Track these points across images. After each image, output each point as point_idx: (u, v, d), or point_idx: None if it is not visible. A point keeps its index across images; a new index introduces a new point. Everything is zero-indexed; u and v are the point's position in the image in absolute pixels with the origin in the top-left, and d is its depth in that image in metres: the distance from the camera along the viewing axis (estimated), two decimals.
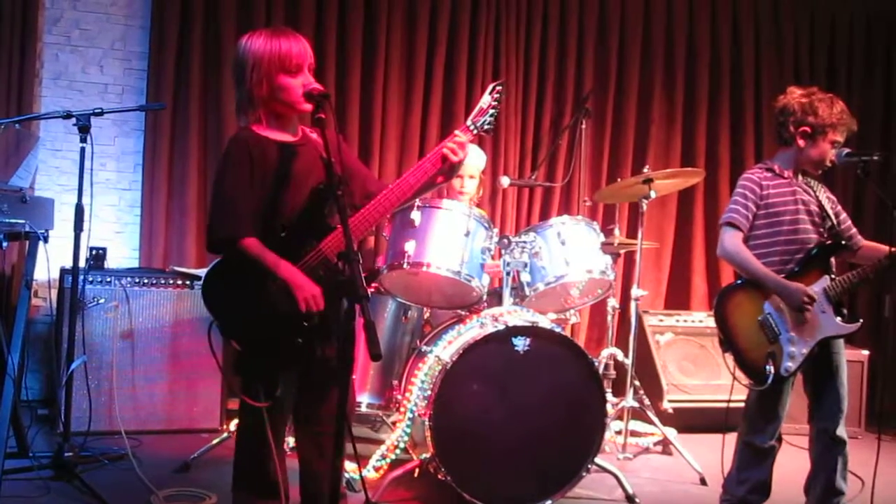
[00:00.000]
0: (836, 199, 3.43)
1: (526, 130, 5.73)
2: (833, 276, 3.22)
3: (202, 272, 4.51)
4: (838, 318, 3.20)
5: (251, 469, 2.62)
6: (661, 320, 5.46)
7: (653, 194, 4.42)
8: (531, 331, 3.48)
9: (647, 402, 4.66)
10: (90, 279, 4.28)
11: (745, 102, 6.09)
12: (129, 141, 5.19)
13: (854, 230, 3.40)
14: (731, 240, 3.26)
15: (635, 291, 4.53)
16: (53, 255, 3.61)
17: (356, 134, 5.35)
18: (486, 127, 2.70)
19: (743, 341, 3.21)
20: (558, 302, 4.21)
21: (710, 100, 6.06)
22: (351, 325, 2.24)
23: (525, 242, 3.84)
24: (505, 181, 4.63)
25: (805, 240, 3.26)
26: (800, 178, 3.35)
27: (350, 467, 3.54)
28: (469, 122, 2.69)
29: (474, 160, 4.42)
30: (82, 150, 3.52)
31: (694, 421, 4.91)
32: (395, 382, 3.94)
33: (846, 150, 3.25)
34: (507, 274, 3.79)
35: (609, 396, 4.41)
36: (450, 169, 2.66)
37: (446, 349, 3.56)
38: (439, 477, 3.40)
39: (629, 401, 4.47)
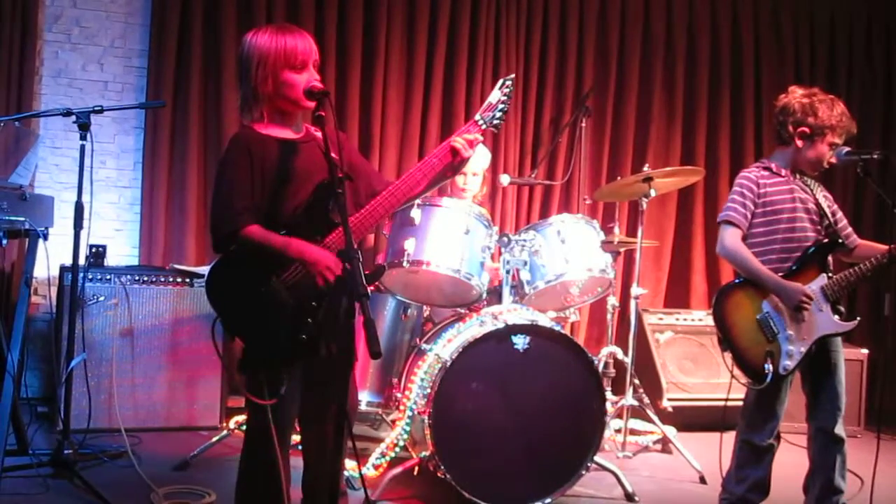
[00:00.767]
0: (832, 199, 3.43)
1: (526, 128, 5.73)
2: (830, 274, 3.22)
3: (202, 270, 4.54)
4: (836, 317, 3.21)
5: (257, 474, 2.61)
6: (660, 319, 5.46)
7: (653, 193, 4.42)
8: (531, 329, 3.48)
9: (646, 400, 4.67)
10: (90, 277, 4.28)
11: (744, 101, 6.09)
12: (129, 139, 5.19)
13: (850, 230, 3.40)
14: (732, 238, 3.26)
15: (635, 290, 4.54)
16: (53, 253, 3.61)
17: (356, 131, 5.35)
18: (495, 122, 2.68)
19: (741, 340, 3.21)
20: (558, 300, 4.21)
21: (709, 98, 6.06)
22: (351, 323, 2.24)
23: (525, 241, 3.84)
24: (505, 179, 4.63)
25: (802, 238, 3.26)
26: (797, 176, 3.35)
27: (350, 465, 3.54)
28: (478, 117, 2.67)
29: (479, 158, 4.42)
30: (82, 147, 3.52)
31: (693, 419, 4.91)
32: (395, 380, 3.95)
33: (846, 149, 3.25)
34: (507, 272, 3.80)
35: (608, 395, 4.41)
36: (459, 164, 2.65)
37: (446, 347, 3.56)
38: (439, 475, 3.40)
39: (629, 399, 4.47)
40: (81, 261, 3.64)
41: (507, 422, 3.45)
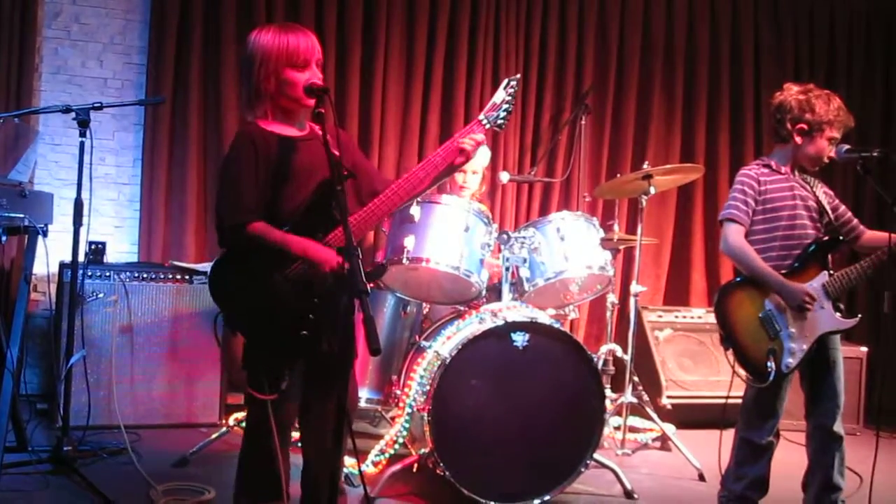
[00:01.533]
0: (833, 194, 3.43)
1: (525, 126, 5.73)
2: (831, 272, 3.22)
3: (201, 267, 4.54)
4: (837, 314, 3.21)
5: (256, 468, 2.61)
6: (660, 316, 5.47)
7: (652, 190, 4.42)
8: (530, 326, 3.48)
9: (645, 397, 4.67)
10: (89, 274, 4.27)
11: (744, 99, 6.09)
12: (129, 135, 5.19)
13: (854, 221, 3.39)
14: (735, 236, 3.26)
15: (634, 287, 4.54)
16: (52, 250, 3.61)
17: (356, 130, 5.34)
18: (499, 122, 2.68)
19: (744, 338, 3.21)
20: (557, 298, 4.21)
21: (709, 96, 6.06)
22: (351, 320, 2.24)
23: (524, 238, 3.84)
24: (504, 177, 4.63)
25: (803, 235, 3.26)
26: (797, 174, 3.35)
27: (349, 462, 3.54)
28: (482, 117, 2.67)
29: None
30: (81, 144, 3.52)
31: (692, 417, 4.91)
32: (395, 377, 3.95)
33: (846, 147, 3.25)
34: (507, 269, 3.80)
35: (608, 392, 4.41)
36: (459, 164, 2.66)
37: (445, 344, 3.56)
38: (438, 472, 3.41)
39: (628, 396, 4.47)
40: (81, 258, 3.64)
41: (507, 419, 3.45)
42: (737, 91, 6.10)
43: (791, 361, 3.16)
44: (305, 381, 2.62)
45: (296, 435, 2.82)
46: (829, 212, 3.33)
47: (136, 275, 4.42)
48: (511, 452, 3.45)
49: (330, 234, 2.51)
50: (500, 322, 3.47)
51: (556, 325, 3.59)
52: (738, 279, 3.30)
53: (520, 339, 3.46)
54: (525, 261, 3.84)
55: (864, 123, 6.08)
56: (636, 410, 4.67)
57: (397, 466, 3.60)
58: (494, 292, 3.93)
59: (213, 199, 4.96)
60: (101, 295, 4.32)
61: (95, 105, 3.56)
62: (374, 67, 5.37)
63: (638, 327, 4.61)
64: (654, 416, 4.53)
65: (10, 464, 3.46)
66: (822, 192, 3.36)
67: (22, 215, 3.39)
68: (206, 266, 4.59)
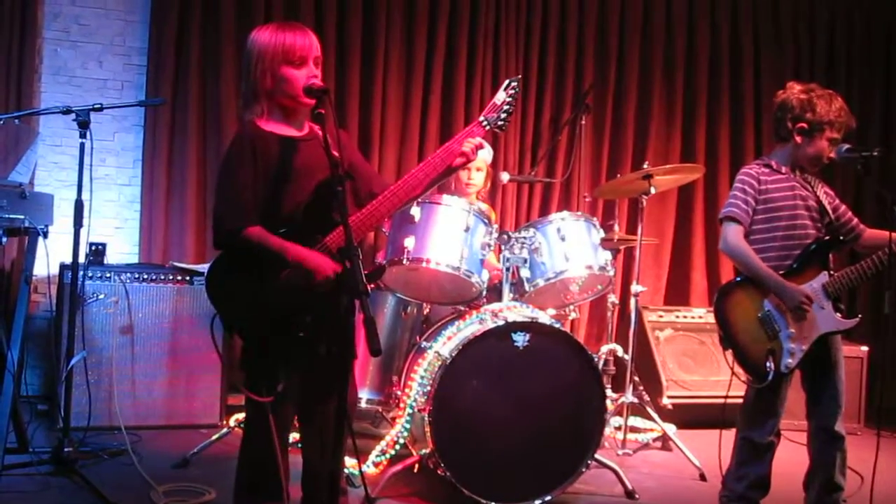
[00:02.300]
0: (833, 194, 3.42)
1: (525, 126, 5.73)
2: (831, 272, 3.22)
3: (201, 268, 4.54)
4: (837, 314, 3.20)
5: (256, 469, 2.61)
6: (660, 316, 5.46)
7: (652, 190, 4.42)
8: (531, 326, 3.48)
9: (646, 397, 4.67)
10: (90, 275, 4.27)
11: (744, 98, 6.09)
12: (129, 136, 5.19)
13: (855, 220, 3.39)
14: (735, 235, 3.26)
15: (635, 287, 4.54)
16: (53, 251, 3.61)
17: (356, 131, 5.34)
18: (499, 123, 2.68)
19: (743, 338, 3.21)
20: (558, 298, 4.21)
21: (709, 96, 6.06)
22: (350, 321, 2.24)
23: (525, 238, 3.85)
24: (504, 177, 4.64)
25: (803, 235, 3.26)
26: (797, 173, 3.34)
27: (350, 463, 3.54)
28: (482, 118, 2.67)
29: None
30: (82, 145, 3.52)
31: (693, 417, 4.91)
32: (395, 378, 3.95)
33: (846, 146, 3.24)
34: (507, 270, 3.80)
35: (608, 392, 4.40)
36: (461, 166, 2.66)
37: (446, 345, 3.56)
38: (439, 472, 3.41)
39: (629, 397, 4.47)
40: (81, 259, 3.64)
41: (507, 419, 3.44)
42: (737, 91, 6.10)
43: (790, 362, 3.16)
44: (305, 382, 2.61)
45: (296, 436, 2.81)
46: (830, 212, 3.33)
47: (137, 276, 4.42)
48: (512, 453, 3.45)
49: (329, 234, 2.50)
50: (500, 322, 3.47)
51: (557, 326, 3.59)
52: (738, 279, 3.30)
53: (520, 339, 3.46)
54: (525, 261, 3.84)
55: (864, 123, 6.08)
56: (637, 410, 4.67)
57: (398, 467, 3.60)
58: (495, 292, 3.93)
59: (212, 200, 4.96)
60: (101, 296, 4.32)
61: (95, 106, 3.56)
62: (373, 68, 5.37)
63: (638, 327, 4.61)
64: (655, 415, 4.53)
65: (11, 465, 3.46)
66: (823, 192, 3.36)
67: (22, 216, 3.39)
68: (207, 267, 4.58)
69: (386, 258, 3.77)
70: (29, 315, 3.98)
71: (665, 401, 4.98)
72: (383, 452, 3.74)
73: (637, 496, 3.74)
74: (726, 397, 3.38)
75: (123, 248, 5.16)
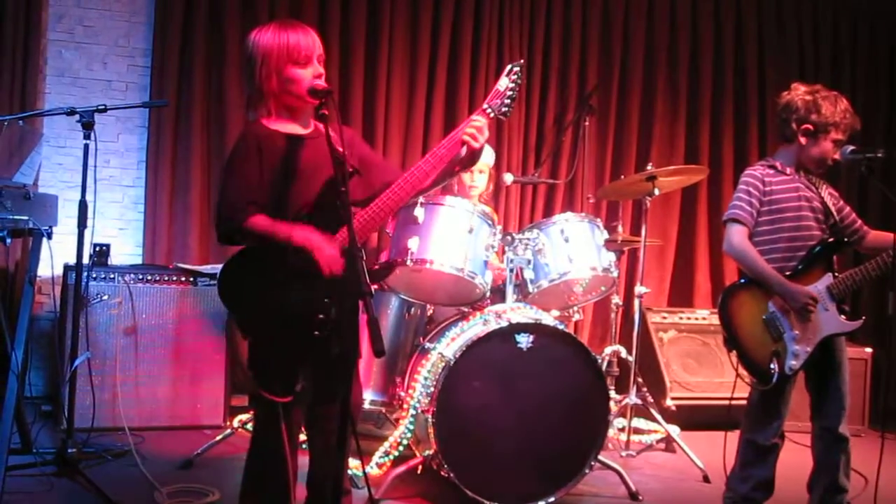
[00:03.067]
0: (838, 195, 3.41)
1: (529, 127, 5.73)
2: (836, 273, 3.21)
3: (206, 269, 4.54)
4: (841, 316, 3.20)
5: (264, 474, 2.60)
6: (664, 317, 5.46)
7: (656, 192, 4.42)
8: (534, 328, 3.48)
9: (650, 399, 4.67)
10: (94, 276, 4.28)
11: (748, 100, 6.09)
12: (133, 138, 5.20)
13: (859, 222, 3.38)
14: (739, 236, 3.25)
15: (639, 289, 4.54)
16: (57, 252, 3.61)
17: (360, 128, 5.34)
18: (503, 110, 2.64)
19: (747, 340, 3.20)
20: (561, 299, 4.20)
21: (713, 96, 6.06)
22: (355, 321, 2.23)
23: (528, 239, 3.84)
24: (508, 178, 4.63)
25: (808, 236, 3.25)
26: (802, 174, 3.34)
27: (353, 464, 3.53)
28: (485, 106, 2.64)
29: (484, 155, 4.41)
30: (86, 146, 3.52)
31: (697, 418, 4.91)
32: (399, 379, 3.94)
33: (850, 148, 3.23)
34: (511, 271, 3.79)
35: (612, 394, 4.40)
36: (469, 157, 2.62)
37: (449, 346, 3.56)
38: (442, 473, 3.40)
39: (632, 398, 4.47)
40: (85, 259, 3.64)
41: (511, 420, 3.44)
42: (741, 92, 6.09)
43: (794, 364, 3.15)
44: (314, 383, 2.60)
45: (302, 437, 2.81)
46: (835, 213, 3.32)
47: (141, 277, 4.43)
48: (515, 454, 3.44)
49: (337, 232, 2.50)
50: (504, 323, 3.47)
51: (561, 327, 3.58)
52: (742, 281, 3.29)
53: (524, 340, 3.46)
54: (529, 262, 3.83)
55: (868, 124, 6.06)
56: (640, 412, 4.66)
57: (401, 468, 3.59)
58: (498, 294, 3.93)
59: (216, 201, 4.97)
60: (105, 297, 4.33)
61: (100, 107, 3.56)
62: (377, 66, 5.38)
63: (642, 328, 4.61)
64: (659, 417, 4.53)
65: (15, 466, 3.45)
66: (828, 194, 3.35)
67: (26, 217, 3.39)
68: (211, 268, 4.59)
69: (389, 259, 3.77)
70: (33, 316, 3.99)
71: (668, 402, 4.97)
72: (387, 453, 3.74)
73: (640, 498, 3.74)
74: (730, 399, 3.37)
75: (127, 249, 5.17)
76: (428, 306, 4.18)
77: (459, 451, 3.39)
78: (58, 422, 4.25)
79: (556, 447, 3.49)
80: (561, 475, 3.49)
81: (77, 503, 3.33)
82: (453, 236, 3.66)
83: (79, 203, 3.56)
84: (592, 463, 3.52)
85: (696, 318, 5.50)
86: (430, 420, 3.38)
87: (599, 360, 3.62)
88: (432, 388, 3.43)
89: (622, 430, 4.54)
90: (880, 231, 3.37)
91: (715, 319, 4.02)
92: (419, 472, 3.62)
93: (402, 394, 3.79)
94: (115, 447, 3.92)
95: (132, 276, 4.41)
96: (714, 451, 3.55)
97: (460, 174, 3.65)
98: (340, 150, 2.34)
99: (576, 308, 4.31)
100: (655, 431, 4.71)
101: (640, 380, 4.61)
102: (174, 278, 4.48)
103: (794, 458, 3.54)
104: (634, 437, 4.59)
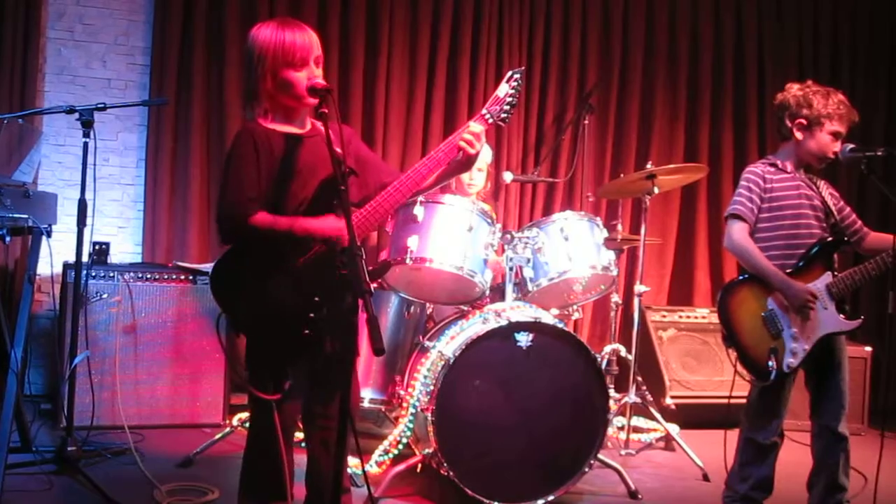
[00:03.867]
0: (839, 195, 3.42)
1: (529, 126, 5.73)
2: (835, 272, 3.21)
3: (205, 267, 4.54)
4: (841, 315, 3.20)
5: (261, 470, 2.61)
6: (663, 316, 5.46)
7: (656, 190, 4.42)
8: (534, 326, 3.48)
9: (649, 397, 4.67)
10: (93, 274, 4.28)
11: (748, 98, 6.09)
12: (132, 136, 5.19)
13: (859, 223, 3.39)
14: (739, 233, 3.25)
15: (638, 287, 4.54)
16: (56, 250, 3.61)
17: (359, 128, 5.34)
18: (502, 116, 2.63)
19: (746, 337, 3.20)
20: (561, 297, 4.20)
21: (713, 95, 6.06)
22: (354, 320, 2.23)
23: (528, 238, 3.84)
24: (508, 177, 4.63)
25: (807, 235, 3.26)
26: (802, 172, 3.34)
27: (353, 462, 3.53)
28: (484, 111, 2.64)
29: (482, 153, 4.41)
30: (85, 145, 3.52)
31: (696, 417, 4.91)
32: (398, 378, 3.95)
33: (850, 146, 3.24)
34: (510, 269, 3.79)
35: (612, 392, 4.40)
36: (466, 161, 2.62)
37: (449, 344, 3.56)
38: (442, 472, 3.41)
39: (632, 397, 4.47)
40: (85, 258, 3.64)
41: (510, 419, 3.44)
42: (740, 90, 6.09)
43: (792, 361, 3.16)
44: (309, 380, 2.61)
45: (299, 435, 2.81)
46: (835, 213, 3.32)
47: (140, 275, 4.43)
48: (515, 452, 3.45)
49: None
50: (503, 322, 3.47)
51: (560, 325, 3.58)
52: (742, 277, 3.30)
53: (523, 339, 3.46)
54: (529, 261, 3.83)
55: (868, 123, 6.07)
56: (640, 410, 4.66)
57: (401, 467, 3.60)
58: (498, 292, 3.93)
59: (216, 199, 4.97)
60: (104, 295, 4.33)
61: (99, 106, 3.56)
62: (377, 66, 5.37)
63: (642, 327, 4.61)
64: (658, 416, 4.53)
65: (15, 464, 3.46)
66: (828, 193, 3.35)
67: (26, 216, 3.39)
68: (210, 266, 4.58)
69: (389, 258, 3.77)
70: (32, 314, 3.99)
71: (668, 401, 4.97)
72: (386, 452, 3.74)
73: (640, 496, 3.74)
74: (730, 397, 3.38)
75: (127, 247, 5.17)
76: (427, 305, 4.18)
77: (459, 449, 3.39)
78: (57, 420, 4.25)
79: (555, 446, 3.50)
80: (560, 474, 3.50)
81: (77, 502, 3.33)
82: (453, 235, 3.66)
83: (78, 201, 3.55)
84: (592, 461, 3.52)
85: (696, 317, 5.50)
86: (429, 418, 3.38)
87: (599, 359, 3.61)
88: (432, 387, 3.43)
89: (622, 428, 4.54)
90: (880, 233, 3.37)
91: (714, 318, 4.02)
92: (419, 470, 3.62)
93: (402, 392, 3.79)
94: (114, 445, 3.92)
95: (131, 274, 4.41)
96: (714, 450, 3.56)
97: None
98: (339, 150, 2.33)
99: (575, 306, 4.31)
100: (655, 430, 4.71)
101: (639, 378, 4.61)
102: (173, 277, 4.48)
103: (794, 457, 3.54)
104: (634, 436, 4.60)
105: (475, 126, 2.60)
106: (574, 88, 5.78)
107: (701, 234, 6.02)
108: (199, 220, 5.09)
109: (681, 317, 5.48)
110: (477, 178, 4.49)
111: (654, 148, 5.90)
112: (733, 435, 3.37)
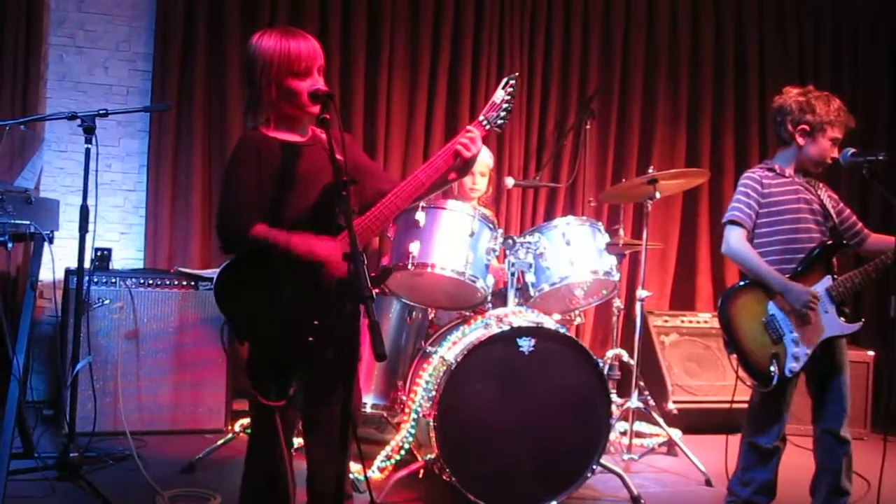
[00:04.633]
0: (837, 198, 3.42)
1: (530, 131, 5.73)
2: (835, 276, 3.22)
3: (207, 273, 4.54)
4: (841, 318, 3.20)
5: (263, 474, 2.60)
6: (665, 321, 5.46)
7: (657, 195, 4.41)
8: (536, 331, 3.48)
9: (651, 402, 4.66)
10: (95, 280, 4.29)
11: (749, 103, 6.09)
12: (134, 142, 5.20)
13: (859, 225, 3.39)
14: (737, 238, 3.26)
15: (640, 292, 4.53)
16: (58, 256, 3.62)
17: (360, 133, 5.35)
18: (499, 122, 2.65)
19: (747, 342, 3.20)
20: (563, 303, 4.20)
21: (714, 100, 6.07)
22: (356, 326, 2.23)
23: (530, 243, 3.84)
24: (509, 182, 4.64)
25: (807, 239, 3.26)
26: (801, 176, 3.34)
27: (355, 468, 3.53)
28: (481, 118, 2.65)
29: (483, 157, 4.41)
30: (87, 151, 3.52)
31: (699, 422, 4.90)
32: (400, 383, 3.94)
33: (851, 151, 3.24)
34: (512, 275, 3.79)
35: (614, 397, 4.40)
36: (463, 165, 2.63)
37: (451, 350, 3.56)
38: (444, 478, 3.40)
39: (634, 401, 4.46)
40: (87, 264, 3.64)
41: (513, 424, 3.44)
42: (741, 95, 6.10)
43: (794, 366, 3.16)
44: (310, 386, 2.61)
45: (300, 441, 2.81)
46: (834, 215, 3.32)
47: (142, 281, 4.43)
48: (517, 458, 3.44)
49: (337, 237, 2.50)
50: (505, 327, 3.47)
51: (562, 330, 3.58)
52: (742, 283, 3.30)
53: (525, 344, 3.46)
54: (530, 266, 3.83)
55: (869, 127, 6.08)
56: (642, 415, 4.65)
57: (403, 472, 3.60)
58: (500, 297, 3.93)
59: (217, 209, 4.98)
60: (106, 301, 4.33)
61: (101, 112, 3.56)
62: (378, 71, 5.38)
63: (644, 332, 4.60)
64: (661, 420, 4.52)
65: (17, 470, 3.46)
66: (827, 196, 3.36)
67: (28, 222, 3.39)
68: (212, 272, 4.58)
69: (391, 263, 3.77)
70: (34, 320, 4.00)
71: (670, 406, 4.97)
72: (388, 458, 3.73)
73: (642, 501, 3.73)
74: (732, 402, 3.37)
75: (129, 253, 5.17)
76: (429, 310, 4.18)
77: (461, 455, 3.38)
78: (59, 426, 4.25)
79: (557, 451, 3.49)
80: (563, 479, 3.49)
81: None
82: (454, 240, 3.66)
83: (80, 207, 3.56)
84: (594, 466, 3.52)
85: (698, 322, 5.50)
86: (431, 424, 3.37)
87: (601, 364, 3.62)
88: (434, 392, 3.43)
89: (624, 433, 4.54)
90: (881, 234, 3.38)
91: (716, 323, 4.02)
92: (421, 476, 3.62)
93: (404, 398, 3.79)
94: (116, 451, 3.92)
95: (133, 280, 4.41)
96: (716, 455, 3.56)
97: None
98: (340, 157, 2.33)
99: (577, 311, 4.31)
100: (657, 435, 4.70)
101: (641, 383, 4.60)
102: (175, 282, 4.49)
103: (796, 461, 3.54)
104: (636, 441, 4.59)
105: (472, 130, 2.62)
106: (575, 93, 5.79)
107: (703, 238, 6.01)
108: (201, 225, 5.09)
109: (683, 321, 5.47)
110: (479, 182, 4.49)
111: (655, 152, 5.90)
112: (735, 439, 3.37)
